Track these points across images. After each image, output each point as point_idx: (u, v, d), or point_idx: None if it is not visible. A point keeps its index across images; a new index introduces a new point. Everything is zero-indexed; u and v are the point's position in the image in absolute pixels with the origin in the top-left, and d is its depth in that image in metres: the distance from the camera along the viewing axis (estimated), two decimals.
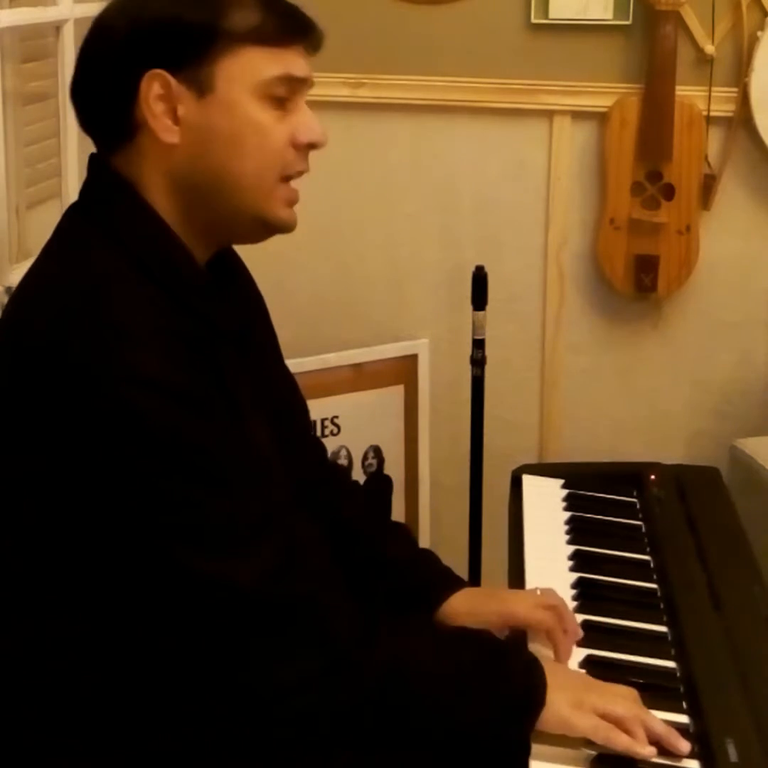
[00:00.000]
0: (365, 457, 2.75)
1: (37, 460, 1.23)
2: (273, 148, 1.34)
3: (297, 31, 1.35)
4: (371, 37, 2.62)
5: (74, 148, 2.03)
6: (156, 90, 1.30)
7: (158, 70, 1.30)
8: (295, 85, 1.35)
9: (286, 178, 1.37)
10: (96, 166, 1.39)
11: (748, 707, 1.35)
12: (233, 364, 1.36)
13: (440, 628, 1.46)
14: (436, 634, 1.38)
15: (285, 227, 1.39)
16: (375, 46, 2.63)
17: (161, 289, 1.29)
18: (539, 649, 1.47)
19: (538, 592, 1.54)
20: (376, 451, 2.77)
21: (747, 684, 1.39)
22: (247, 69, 1.31)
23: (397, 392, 2.79)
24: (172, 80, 1.30)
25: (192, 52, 1.30)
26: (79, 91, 1.38)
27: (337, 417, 2.69)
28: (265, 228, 1.39)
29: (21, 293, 1.36)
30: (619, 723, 1.30)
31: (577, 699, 1.32)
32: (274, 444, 1.44)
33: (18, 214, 2.10)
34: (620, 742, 1.29)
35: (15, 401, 1.25)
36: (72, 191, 2.03)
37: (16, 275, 1.89)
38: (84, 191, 1.40)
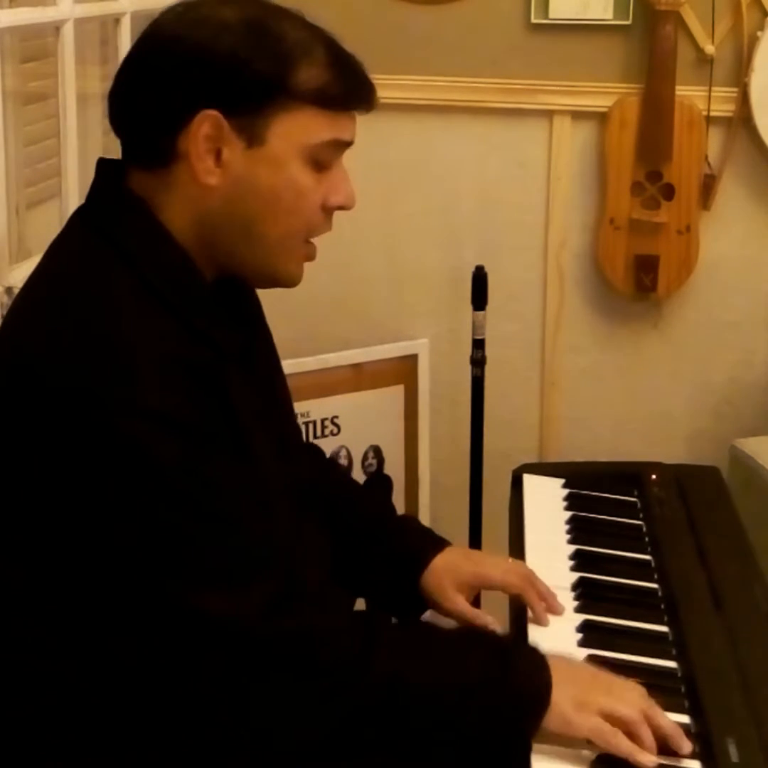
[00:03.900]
0: (365, 457, 2.75)
1: (34, 485, 1.21)
2: (306, 212, 1.34)
3: (358, 98, 1.34)
4: (371, 37, 2.61)
5: (74, 148, 2.03)
6: (206, 129, 1.27)
7: (214, 112, 1.26)
8: (340, 149, 1.35)
9: (308, 238, 1.37)
10: (106, 175, 1.36)
11: (749, 707, 1.34)
12: (238, 385, 1.34)
13: (441, 630, 1.45)
14: (436, 640, 1.37)
15: (291, 283, 1.39)
16: (375, 46, 2.62)
17: (167, 310, 1.27)
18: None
19: (510, 561, 1.61)
20: (376, 451, 2.77)
21: (747, 684, 1.39)
22: (302, 129, 1.29)
23: (397, 392, 2.79)
24: (226, 124, 1.27)
25: (252, 101, 1.27)
26: (122, 98, 1.33)
27: (337, 417, 2.69)
28: (272, 281, 1.39)
29: (21, 307, 1.32)
30: (623, 725, 1.28)
31: (581, 698, 1.30)
32: (278, 453, 1.43)
33: (18, 214, 2.10)
34: (622, 748, 1.27)
35: (11, 425, 1.22)
36: (72, 191, 2.03)
37: (16, 275, 1.88)
38: (92, 200, 1.36)
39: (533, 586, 1.54)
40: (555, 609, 1.54)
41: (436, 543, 1.62)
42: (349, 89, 1.32)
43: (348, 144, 1.35)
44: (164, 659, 1.24)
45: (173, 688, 1.25)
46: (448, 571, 1.57)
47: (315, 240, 1.39)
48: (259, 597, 1.24)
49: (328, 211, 1.36)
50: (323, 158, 1.33)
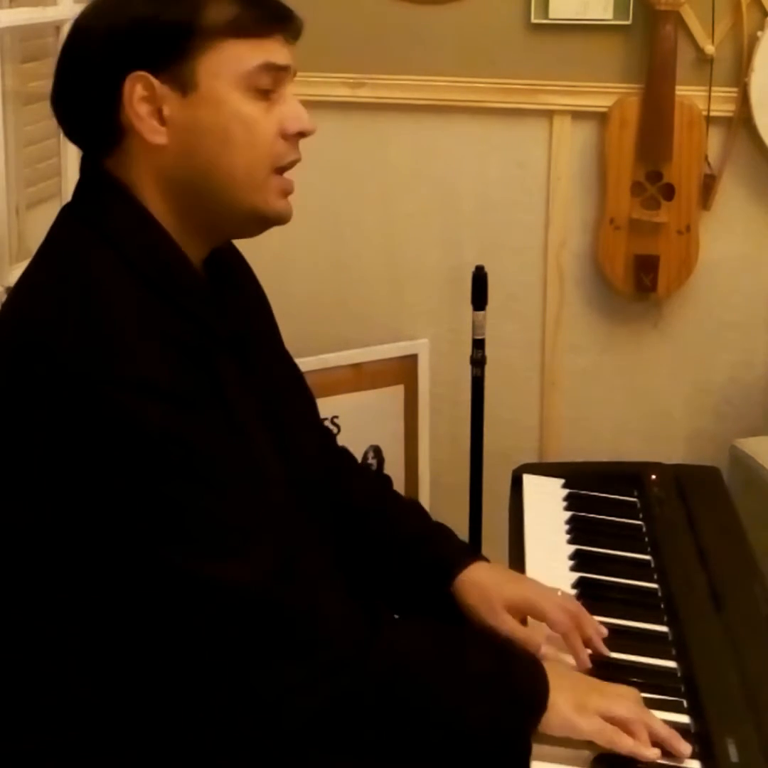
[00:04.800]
0: (365, 457, 2.75)
1: (31, 463, 1.23)
2: (262, 141, 1.34)
3: (275, 21, 1.35)
4: (371, 37, 2.62)
5: (74, 148, 2.02)
6: (139, 92, 1.30)
7: (141, 72, 1.29)
8: (278, 74, 1.35)
9: (280, 170, 1.37)
10: (88, 167, 1.39)
11: (749, 707, 1.35)
12: (229, 367, 1.35)
13: (442, 627, 1.45)
14: (438, 634, 1.37)
15: (280, 218, 1.38)
16: (375, 46, 2.63)
17: (155, 293, 1.29)
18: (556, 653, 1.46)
19: (559, 593, 1.52)
20: (376, 451, 2.77)
21: (747, 684, 1.39)
22: (229, 62, 1.31)
23: (397, 392, 2.79)
24: (155, 81, 1.30)
25: (172, 51, 1.30)
26: (61, 99, 1.37)
27: (337, 417, 2.69)
28: (261, 221, 1.38)
29: (15, 296, 1.35)
30: (622, 725, 1.30)
31: (580, 701, 1.31)
32: (275, 444, 1.43)
33: (18, 214, 2.10)
34: (625, 744, 1.28)
35: (8, 404, 1.24)
36: (72, 191, 2.03)
37: (15, 275, 1.89)
38: (77, 193, 1.40)
39: (579, 627, 1.46)
40: (601, 651, 1.46)
41: (469, 555, 1.57)
42: (263, 15, 1.34)
43: (284, 68, 1.35)
44: (161, 630, 1.24)
45: (171, 663, 1.25)
46: (494, 587, 1.50)
47: (291, 176, 1.38)
48: (255, 565, 1.24)
49: (289, 139, 1.36)
50: (262, 85, 1.33)
